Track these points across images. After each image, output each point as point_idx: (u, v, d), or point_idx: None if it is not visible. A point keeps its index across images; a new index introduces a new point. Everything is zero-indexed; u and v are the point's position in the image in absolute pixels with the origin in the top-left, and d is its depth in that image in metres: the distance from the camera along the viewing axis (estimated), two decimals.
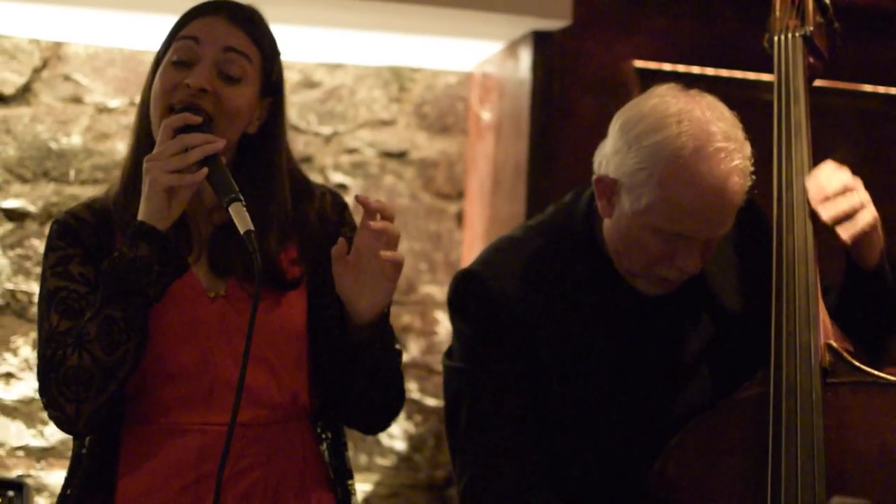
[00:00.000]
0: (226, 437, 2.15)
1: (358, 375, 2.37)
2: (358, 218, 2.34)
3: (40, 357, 2.28)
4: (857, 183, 2.52)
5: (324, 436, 2.48)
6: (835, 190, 2.50)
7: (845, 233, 2.48)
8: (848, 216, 2.48)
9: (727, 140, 2.37)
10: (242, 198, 2.19)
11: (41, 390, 2.27)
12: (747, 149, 2.41)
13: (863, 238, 2.49)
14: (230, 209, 2.18)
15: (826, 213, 2.49)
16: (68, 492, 2.36)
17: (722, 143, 2.36)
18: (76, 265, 2.33)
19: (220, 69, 2.33)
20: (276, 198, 2.41)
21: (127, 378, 2.26)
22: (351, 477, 2.51)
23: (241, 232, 2.16)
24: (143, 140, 2.37)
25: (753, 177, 2.42)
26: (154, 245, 2.22)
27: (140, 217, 2.24)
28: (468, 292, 2.55)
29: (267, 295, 2.35)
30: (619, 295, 2.53)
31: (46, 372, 2.25)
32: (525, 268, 2.53)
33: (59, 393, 2.23)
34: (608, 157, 2.46)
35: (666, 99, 2.43)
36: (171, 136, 2.25)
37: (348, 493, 2.49)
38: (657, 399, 2.53)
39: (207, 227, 2.39)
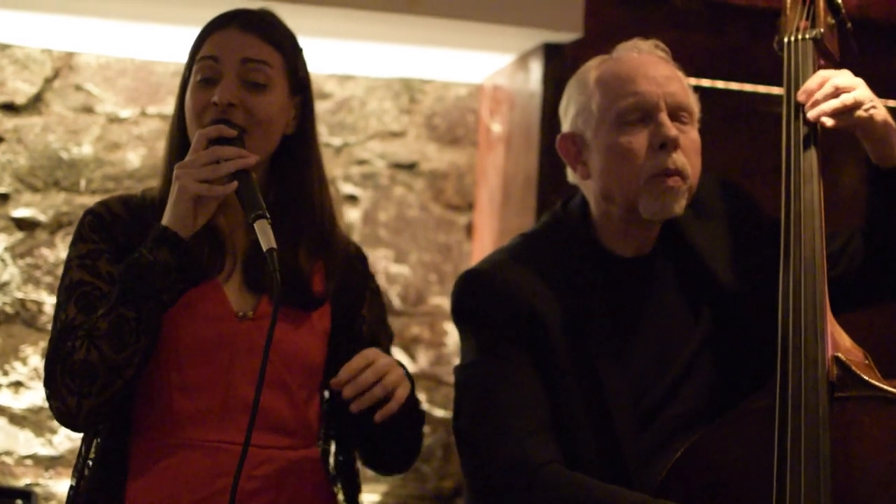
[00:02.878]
0: (240, 456, 2.15)
1: (378, 434, 2.40)
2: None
3: (51, 347, 2.29)
4: (856, 81, 2.55)
5: (336, 462, 2.51)
6: (824, 93, 2.53)
7: (844, 122, 2.52)
8: (844, 110, 2.52)
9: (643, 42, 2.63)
10: (269, 216, 2.21)
11: (46, 380, 2.27)
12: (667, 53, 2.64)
13: (874, 128, 2.52)
14: (255, 225, 2.20)
15: (812, 113, 2.53)
16: (75, 499, 2.36)
17: (636, 42, 2.63)
18: (104, 262, 2.35)
19: (244, 79, 2.36)
20: (310, 202, 2.43)
21: (132, 379, 2.26)
22: None
23: (264, 249, 2.18)
24: (178, 155, 2.38)
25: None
26: (175, 251, 2.24)
27: (164, 222, 2.26)
28: (473, 289, 2.58)
29: (291, 314, 2.37)
30: (622, 285, 2.57)
31: (54, 362, 2.26)
32: (526, 264, 2.57)
33: (62, 384, 2.24)
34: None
35: None
36: (205, 145, 2.28)
37: None
38: (663, 389, 2.54)
39: (243, 242, 2.41)
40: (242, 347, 2.35)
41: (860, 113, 2.52)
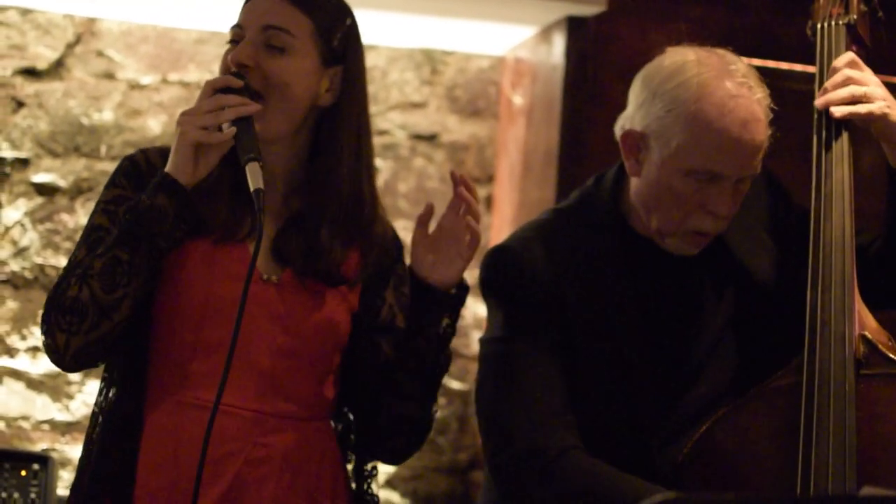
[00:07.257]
0: (254, 421, 2.19)
1: (401, 372, 2.41)
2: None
3: (54, 285, 2.30)
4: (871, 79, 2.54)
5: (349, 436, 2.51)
6: (833, 81, 2.54)
7: (857, 117, 2.51)
8: (853, 101, 2.51)
9: (746, 77, 2.46)
10: (261, 158, 2.23)
11: (42, 316, 2.28)
12: (765, 89, 2.49)
13: (889, 128, 2.50)
14: (246, 168, 2.21)
15: (819, 101, 2.54)
16: (88, 456, 2.35)
17: (742, 79, 2.46)
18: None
19: (265, 44, 2.34)
20: (335, 178, 2.40)
21: (122, 323, 2.26)
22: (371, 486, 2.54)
23: (251, 190, 2.19)
24: None
25: (772, 126, 2.50)
26: (172, 197, 2.25)
27: (166, 169, 2.27)
28: (500, 267, 2.59)
29: (314, 287, 2.36)
30: (648, 267, 2.57)
31: (51, 298, 2.27)
32: (554, 243, 2.58)
33: (54, 320, 2.24)
34: (631, 114, 2.54)
35: (682, 51, 2.54)
36: (210, 94, 2.28)
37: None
38: (686, 371, 2.55)
39: (280, 215, 2.39)
40: (262, 312, 2.33)
41: (871, 108, 2.50)
